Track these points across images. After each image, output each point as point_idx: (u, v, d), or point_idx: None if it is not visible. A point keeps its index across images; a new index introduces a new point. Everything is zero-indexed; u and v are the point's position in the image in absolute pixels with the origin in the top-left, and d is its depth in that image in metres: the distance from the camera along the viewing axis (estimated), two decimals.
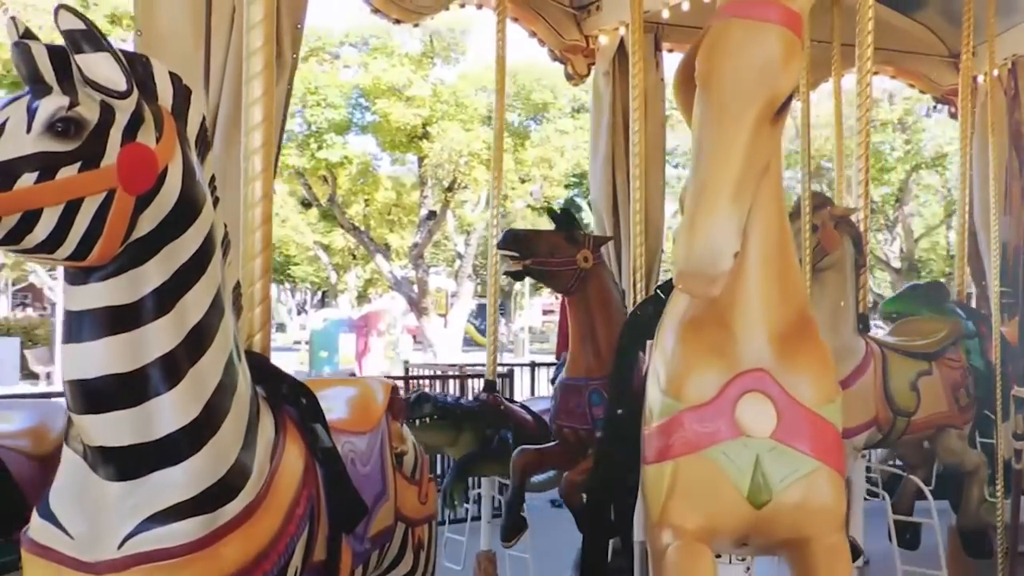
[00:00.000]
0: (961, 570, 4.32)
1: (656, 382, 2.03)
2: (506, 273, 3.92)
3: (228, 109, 3.49)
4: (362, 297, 28.22)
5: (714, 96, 1.63)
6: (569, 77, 6.19)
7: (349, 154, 19.55)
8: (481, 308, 27.91)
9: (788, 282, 1.90)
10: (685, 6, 5.36)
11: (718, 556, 2.25)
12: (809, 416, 1.88)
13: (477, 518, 4.84)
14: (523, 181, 20.34)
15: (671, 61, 6.31)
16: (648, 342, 2.62)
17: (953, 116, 7.16)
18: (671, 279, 2.75)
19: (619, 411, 2.69)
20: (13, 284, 34.79)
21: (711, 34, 1.68)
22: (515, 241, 3.74)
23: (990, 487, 4.36)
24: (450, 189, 19.70)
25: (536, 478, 4.43)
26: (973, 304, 5.74)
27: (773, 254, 1.84)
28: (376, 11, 4.86)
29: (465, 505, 5.09)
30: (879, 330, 5.02)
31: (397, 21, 5.08)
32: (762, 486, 1.84)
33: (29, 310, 31.91)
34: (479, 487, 4.75)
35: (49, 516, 1.66)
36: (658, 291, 2.77)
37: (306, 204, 22.52)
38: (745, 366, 1.88)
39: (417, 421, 3.98)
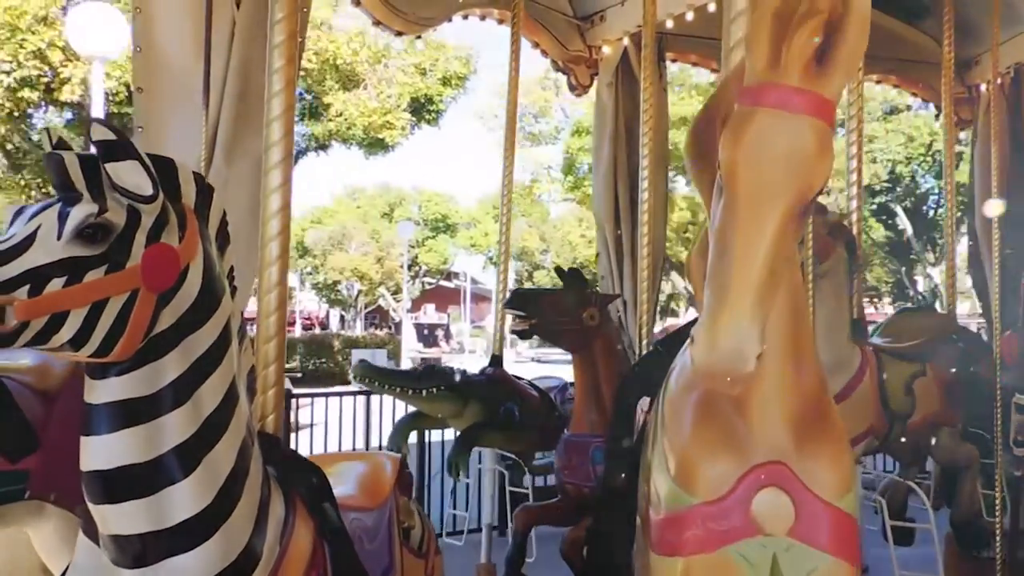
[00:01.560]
0: (958, 574, 4.32)
1: (664, 466, 1.93)
2: (512, 331, 3.95)
3: (228, 124, 3.47)
4: (664, 310, 29.55)
5: (740, 190, 1.52)
6: (572, 88, 6.19)
7: None
8: None
9: (805, 367, 1.83)
10: (689, 16, 5.35)
11: None
12: (828, 510, 1.81)
13: (475, 530, 4.83)
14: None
15: (674, 71, 6.31)
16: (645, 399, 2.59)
17: (957, 125, 7.16)
18: (671, 334, 2.73)
19: (621, 474, 2.62)
20: (366, 307, 39.84)
21: (736, 120, 1.54)
22: (521, 301, 3.80)
23: (983, 479, 4.36)
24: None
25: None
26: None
27: (790, 341, 1.77)
28: (377, 23, 4.84)
29: (463, 512, 5.08)
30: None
31: (399, 33, 5.07)
32: None
33: (378, 329, 36.54)
34: (478, 495, 4.75)
35: None
36: (658, 346, 2.71)
37: None
38: (761, 458, 1.80)
39: (424, 392, 4.04)
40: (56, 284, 1.49)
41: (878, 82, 7.05)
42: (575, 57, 6.03)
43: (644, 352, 3.58)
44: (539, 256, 36.04)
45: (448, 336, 40.97)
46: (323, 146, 21.51)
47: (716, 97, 1.85)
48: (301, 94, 19.96)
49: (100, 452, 1.60)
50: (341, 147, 21.20)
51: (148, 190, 1.59)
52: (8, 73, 14.59)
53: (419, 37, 5.85)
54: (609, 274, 5.66)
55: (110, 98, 13.74)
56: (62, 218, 1.53)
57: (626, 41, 5.70)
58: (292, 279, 39.34)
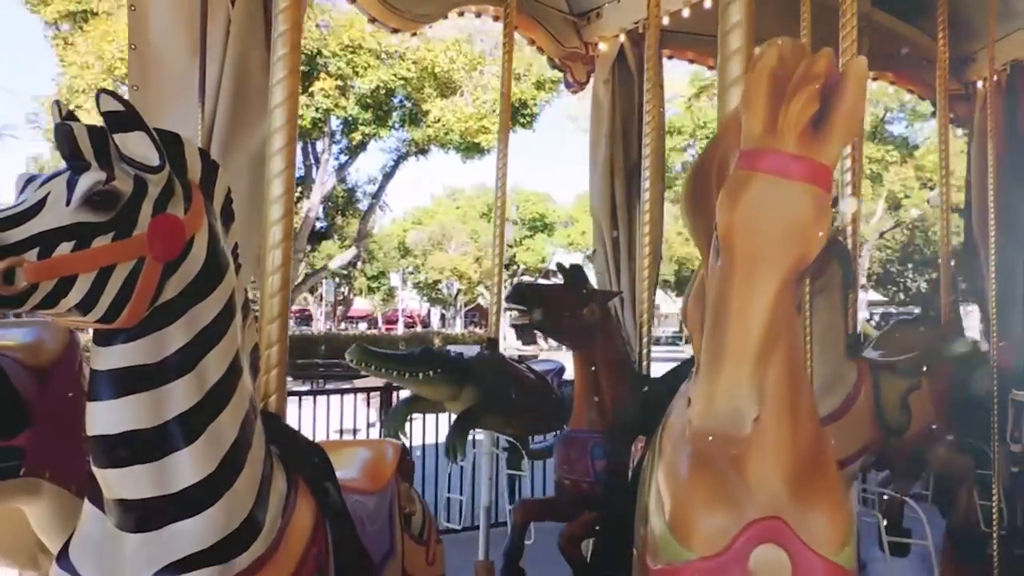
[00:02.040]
0: None
1: (661, 514, 1.94)
2: (512, 326, 3.95)
3: (224, 121, 3.44)
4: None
5: (737, 256, 1.52)
6: (568, 85, 6.16)
7: None
8: None
9: (803, 423, 1.83)
10: (686, 12, 5.33)
11: None
12: (825, 565, 1.81)
13: (471, 528, 4.82)
14: (925, 186, 20.74)
15: (670, 67, 6.29)
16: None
17: (953, 123, 7.16)
18: (668, 372, 2.72)
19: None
20: (465, 305, 42.09)
21: (734, 185, 1.54)
22: (522, 295, 3.80)
23: (980, 488, 4.36)
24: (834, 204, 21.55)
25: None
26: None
27: (788, 398, 1.77)
28: (373, 20, 4.81)
29: (459, 496, 5.05)
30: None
31: (395, 30, 5.04)
32: None
33: (477, 327, 38.10)
34: (477, 494, 4.73)
35: (68, 567, 1.73)
36: (655, 384, 2.71)
37: None
38: (758, 514, 1.80)
39: (421, 375, 4.02)
40: (64, 248, 1.53)
41: (875, 79, 7.03)
42: (571, 54, 5.99)
43: (643, 348, 3.58)
44: None
45: None
46: (423, 150, 22.94)
47: (712, 146, 1.86)
48: (401, 101, 21.58)
49: (105, 417, 1.64)
50: (439, 151, 22.53)
51: (155, 160, 1.64)
52: None
53: (415, 34, 5.82)
54: (606, 272, 5.64)
55: None
56: (71, 185, 1.58)
57: (622, 38, 5.68)
58: (394, 279, 41.65)
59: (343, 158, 24.09)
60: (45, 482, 2.60)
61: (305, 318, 43.72)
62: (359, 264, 37.61)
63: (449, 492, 5.36)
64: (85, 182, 1.58)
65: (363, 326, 45.83)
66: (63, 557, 1.75)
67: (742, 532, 1.79)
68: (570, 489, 3.90)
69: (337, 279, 40.18)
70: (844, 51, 3.75)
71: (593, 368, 3.85)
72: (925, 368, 4.07)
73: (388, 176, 26.02)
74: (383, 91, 20.22)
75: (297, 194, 24.28)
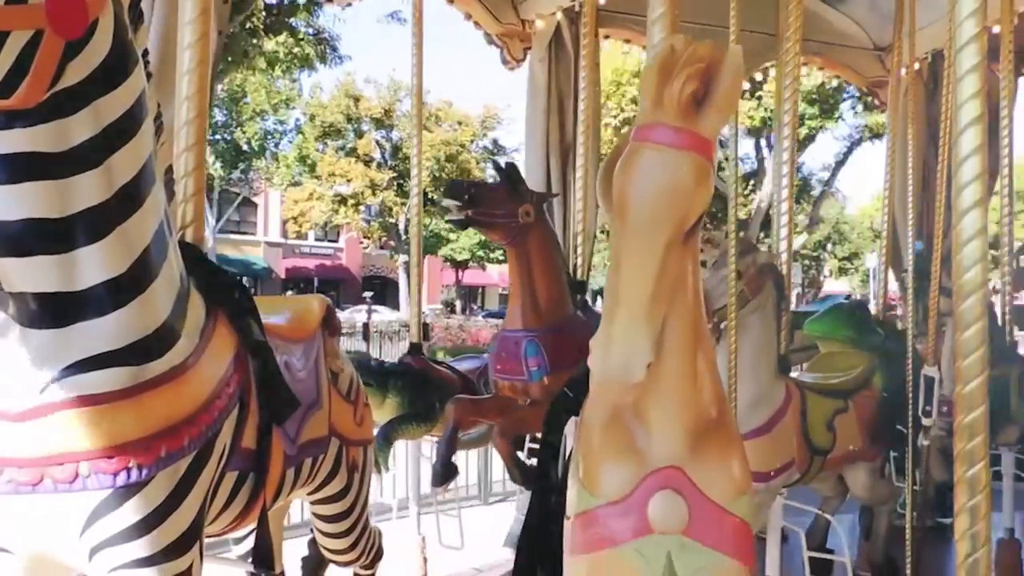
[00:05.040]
0: None
1: (576, 474, 2.09)
2: (448, 221, 3.91)
3: (156, 59, 3.34)
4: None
5: (628, 218, 1.73)
6: (505, 62, 6.14)
7: None
8: None
9: (702, 377, 1.97)
10: None
11: None
12: (719, 512, 1.95)
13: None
14: None
15: (607, 48, 6.32)
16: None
17: (876, 107, 7.38)
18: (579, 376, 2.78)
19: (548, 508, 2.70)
20: None
21: (626, 156, 1.76)
22: (459, 191, 3.75)
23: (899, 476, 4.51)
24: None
25: (470, 434, 4.46)
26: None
27: (687, 352, 1.91)
28: None
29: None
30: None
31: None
32: None
33: None
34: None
35: None
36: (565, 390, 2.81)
37: None
38: (658, 463, 1.95)
39: None
40: None
41: (804, 64, 7.21)
42: (508, 31, 5.97)
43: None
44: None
45: None
46: (877, 135, 24.86)
47: (622, 141, 2.00)
48: (849, 93, 23.30)
49: (5, 200, 1.58)
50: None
51: None
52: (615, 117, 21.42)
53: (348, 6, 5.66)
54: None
55: None
56: None
57: (559, 16, 5.67)
58: (870, 260, 38.96)
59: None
60: None
61: None
62: (828, 246, 38.56)
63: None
64: None
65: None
66: None
67: (644, 480, 1.93)
68: (504, 389, 3.92)
69: (807, 261, 40.57)
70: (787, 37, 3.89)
71: (527, 269, 3.85)
72: (853, 392, 4.22)
73: (840, 163, 28.96)
74: (828, 87, 21.43)
75: (751, 185, 26.48)
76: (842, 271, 44.62)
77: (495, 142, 34.65)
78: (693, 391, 1.95)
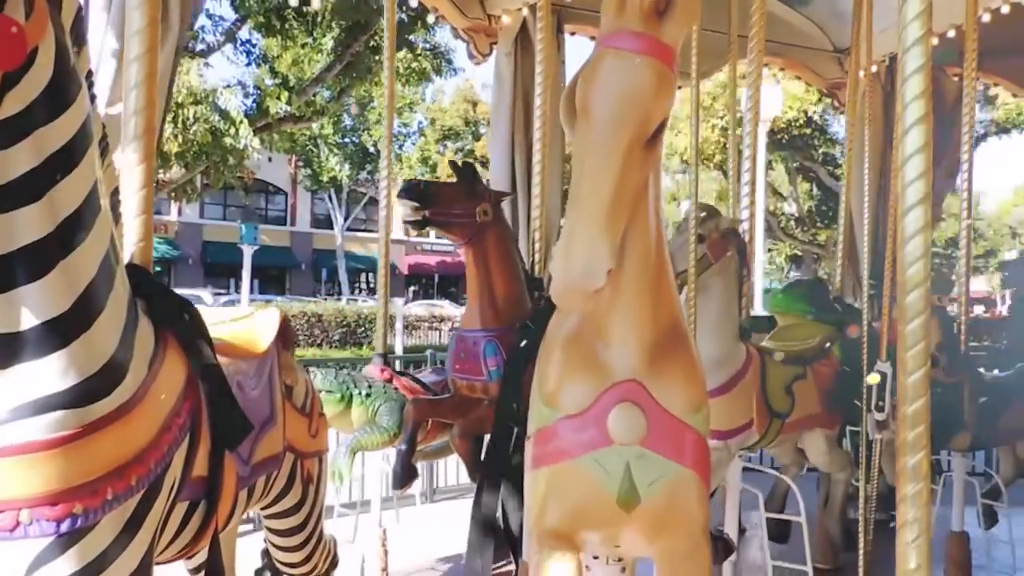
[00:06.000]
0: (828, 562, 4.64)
1: (537, 393, 2.12)
2: (405, 222, 3.84)
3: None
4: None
5: (590, 123, 1.73)
6: (471, 56, 6.15)
7: None
8: None
9: (662, 296, 1.99)
10: None
11: (595, 557, 2.36)
12: (676, 425, 1.99)
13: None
14: None
15: (572, 44, 6.37)
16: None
17: (836, 108, 7.52)
18: (543, 309, 2.81)
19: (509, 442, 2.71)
20: None
21: (589, 64, 1.77)
22: (416, 191, 3.71)
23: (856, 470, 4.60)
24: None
25: (431, 445, 4.44)
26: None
27: (647, 269, 1.93)
28: None
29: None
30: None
31: None
32: (631, 491, 1.95)
33: None
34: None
35: None
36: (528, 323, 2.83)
37: None
38: (618, 377, 1.97)
39: None
40: None
41: (764, 64, 7.29)
42: (474, 25, 5.99)
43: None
44: None
45: None
46: (1004, 130, 25.43)
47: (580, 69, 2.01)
48: None
49: None
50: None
51: None
52: None
53: None
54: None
55: None
56: None
57: (525, 11, 5.69)
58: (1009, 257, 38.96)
59: None
60: None
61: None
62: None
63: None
64: None
65: (979, 308, 36.91)
66: None
67: (603, 393, 1.97)
68: (462, 389, 3.89)
69: (936, 260, 38.86)
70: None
71: (485, 268, 3.82)
72: (812, 360, 4.33)
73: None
74: None
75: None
76: (976, 270, 40.37)
77: None
78: (652, 306, 1.96)
